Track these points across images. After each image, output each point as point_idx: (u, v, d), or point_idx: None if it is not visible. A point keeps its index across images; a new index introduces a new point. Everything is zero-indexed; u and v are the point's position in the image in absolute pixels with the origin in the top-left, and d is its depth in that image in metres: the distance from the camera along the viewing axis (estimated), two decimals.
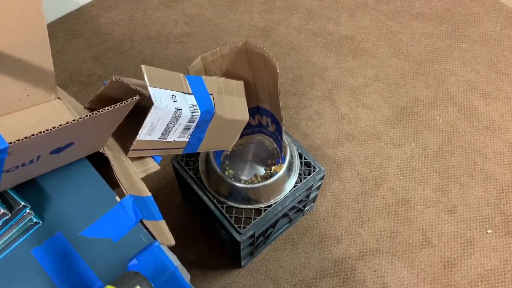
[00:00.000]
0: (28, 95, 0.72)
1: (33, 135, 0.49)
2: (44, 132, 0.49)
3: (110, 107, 0.55)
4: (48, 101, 0.75)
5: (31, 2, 0.67)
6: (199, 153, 1.23)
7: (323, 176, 1.24)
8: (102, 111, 0.54)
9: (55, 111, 0.72)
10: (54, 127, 0.50)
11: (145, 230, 0.67)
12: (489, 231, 1.38)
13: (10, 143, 0.48)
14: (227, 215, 1.17)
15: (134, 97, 0.58)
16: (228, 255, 1.33)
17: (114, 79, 0.77)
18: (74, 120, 0.52)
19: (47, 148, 0.56)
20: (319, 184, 1.28)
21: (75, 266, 0.63)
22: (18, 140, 0.48)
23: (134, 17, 1.87)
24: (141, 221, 0.67)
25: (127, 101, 0.57)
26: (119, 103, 0.56)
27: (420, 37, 1.81)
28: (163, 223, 0.73)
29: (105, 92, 0.78)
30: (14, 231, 0.63)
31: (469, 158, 1.52)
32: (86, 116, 0.53)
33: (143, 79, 0.78)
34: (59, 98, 0.77)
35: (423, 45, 1.79)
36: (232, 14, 1.88)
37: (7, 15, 0.65)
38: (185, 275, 0.61)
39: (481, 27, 1.84)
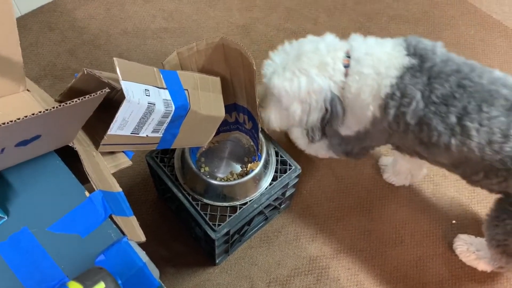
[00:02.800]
0: None
1: None
2: (8, 123, 0.48)
3: (79, 99, 0.54)
4: (16, 92, 0.73)
5: None
6: (174, 149, 1.21)
7: (299, 174, 1.25)
8: (70, 103, 0.53)
9: (23, 103, 0.70)
10: (18, 118, 0.48)
11: (115, 226, 0.65)
12: (453, 222, 1.41)
13: None
14: (202, 213, 1.16)
15: (104, 90, 0.57)
16: (202, 253, 1.32)
17: (85, 71, 0.76)
18: (40, 112, 0.50)
19: (12, 141, 0.54)
20: (295, 182, 1.29)
21: (41, 262, 0.61)
22: None
23: (111, 11, 1.84)
24: (110, 217, 0.66)
25: (96, 94, 0.56)
26: (88, 95, 0.55)
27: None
28: (133, 219, 0.71)
29: (76, 85, 0.77)
30: None
31: None
32: (53, 107, 0.52)
33: (116, 72, 0.76)
34: (28, 90, 0.75)
35: None
36: (211, 11, 1.87)
37: None
38: (154, 272, 0.60)
39: (456, 30, 1.88)
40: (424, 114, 0.98)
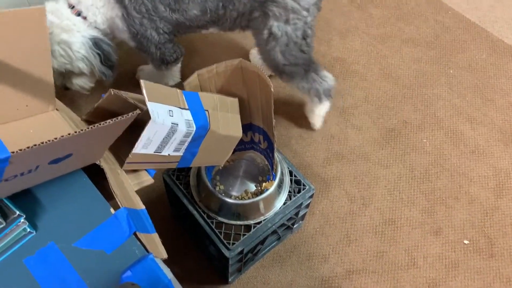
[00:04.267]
0: (26, 105, 0.73)
1: (35, 145, 0.50)
2: (45, 142, 0.50)
3: (111, 120, 0.56)
4: (46, 112, 0.76)
5: (35, 15, 0.68)
6: (190, 167, 1.24)
7: (312, 195, 1.26)
8: (103, 124, 0.55)
9: (53, 122, 0.73)
10: (55, 138, 0.51)
11: (139, 243, 0.67)
12: (466, 242, 1.40)
13: (13, 152, 0.49)
14: (216, 231, 1.18)
15: (135, 112, 0.60)
16: (215, 271, 1.33)
17: (112, 92, 0.79)
18: (75, 132, 0.53)
19: (46, 159, 0.56)
20: (308, 202, 1.30)
21: (67, 277, 0.63)
22: (20, 150, 0.49)
23: None
24: (134, 234, 0.68)
25: (128, 115, 0.58)
26: (120, 117, 0.57)
27: (409, 62, 1.86)
28: (155, 236, 0.73)
29: (102, 105, 0.80)
30: (8, 240, 0.63)
31: (455, 181, 1.55)
32: (88, 128, 0.54)
33: (141, 93, 0.79)
34: (57, 109, 0.78)
35: (412, 70, 1.84)
36: (226, 34, 1.91)
37: (10, 26, 0.66)
38: None
39: (467, 54, 1.90)
40: None
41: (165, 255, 0.70)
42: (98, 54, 1.28)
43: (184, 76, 1.71)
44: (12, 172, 0.54)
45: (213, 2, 1.28)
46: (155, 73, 1.61)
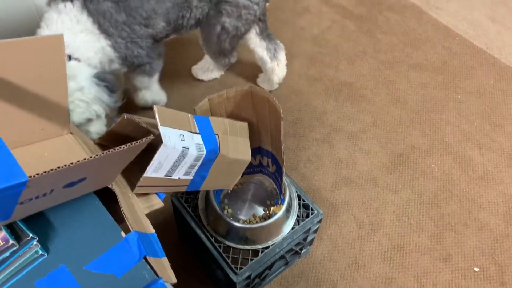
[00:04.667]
0: (42, 129, 0.75)
1: (51, 169, 0.51)
2: (62, 167, 0.51)
3: (126, 146, 0.58)
4: (61, 135, 0.78)
5: (52, 42, 0.70)
6: (198, 191, 1.24)
7: (321, 219, 1.26)
8: (117, 149, 0.57)
9: (67, 146, 0.75)
10: (72, 163, 0.52)
11: (149, 267, 0.67)
12: (476, 269, 1.38)
13: (30, 176, 0.50)
14: (224, 255, 1.17)
15: (149, 137, 0.61)
16: None
17: (125, 117, 0.80)
18: (91, 157, 0.54)
19: (62, 182, 0.57)
20: (316, 227, 1.29)
21: None
22: (38, 174, 0.50)
23: None
24: (144, 258, 0.68)
25: (142, 141, 0.60)
26: (134, 142, 0.58)
27: (417, 87, 1.88)
28: (165, 261, 0.74)
29: (115, 129, 0.81)
30: (20, 262, 0.64)
31: (464, 207, 1.54)
32: (103, 153, 0.55)
33: (153, 117, 0.81)
34: (71, 133, 0.80)
35: (419, 95, 1.85)
36: (238, 58, 1.94)
37: (29, 53, 0.68)
38: None
39: (475, 80, 1.91)
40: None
41: (174, 280, 0.70)
42: (106, 86, 1.31)
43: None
44: (28, 196, 0.55)
45: (174, 13, 1.39)
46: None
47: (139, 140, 0.59)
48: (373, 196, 1.56)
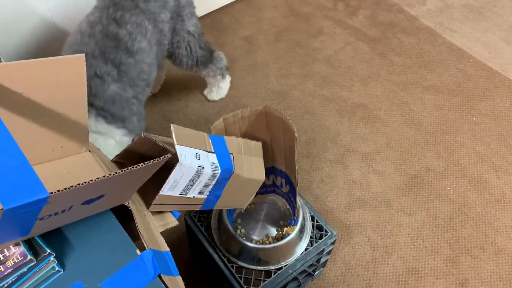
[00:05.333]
0: (61, 147, 0.76)
1: (72, 186, 0.52)
2: (82, 184, 0.52)
3: (144, 164, 0.58)
4: (79, 153, 0.79)
5: (74, 62, 0.72)
6: (212, 210, 1.24)
7: (334, 241, 1.25)
8: (136, 167, 0.58)
9: (85, 163, 0.76)
10: (91, 180, 0.53)
11: (163, 285, 0.67)
12: None
13: (51, 193, 0.51)
14: (236, 275, 1.17)
15: (166, 155, 0.62)
16: None
17: (142, 135, 0.82)
18: (110, 174, 0.55)
19: (80, 199, 0.58)
20: (330, 249, 1.28)
21: None
22: (59, 191, 0.51)
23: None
24: (159, 276, 0.68)
25: (159, 159, 0.60)
26: (152, 160, 0.59)
27: (431, 109, 1.87)
28: (179, 279, 0.74)
29: (132, 147, 0.82)
30: (37, 277, 0.65)
31: (480, 231, 1.51)
32: (121, 171, 0.56)
33: (170, 136, 0.82)
34: (89, 151, 0.81)
35: (434, 116, 1.84)
36: (250, 77, 1.97)
37: (52, 72, 0.70)
38: None
39: (490, 102, 1.90)
40: None
41: None
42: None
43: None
44: (48, 212, 0.56)
45: (160, 54, 1.45)
46: None
47: (157, 158, 0.60)
48: (387, 218, 1.55)
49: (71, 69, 0.72)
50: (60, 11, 1.70)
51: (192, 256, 1.43)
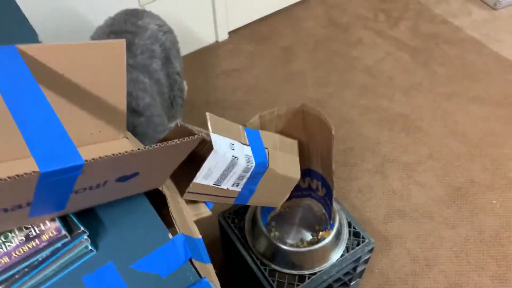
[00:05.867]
0: (100, 131, 0.78)
1: (106, 156, 0.52)
2: (117, 154, 0.53)
3: (178, 140, 0.58)
4: (117, 139, 0.80)
5: (115, 47, 0.74)
6: (246, 211, 1.23)
7: (372, 248, 1.20)
8: (171, 142, 0.57)
9: (122, 149, 0.77)
10: (126, 151, 0.53)
11: (194, 270, 0.66)
12: None
13: (86, 161, 0.51)
14: (269, 279, 1.14)
15: (200, 134, 0.62)
16: None
17: (179, 124, 0.82)
18: (145, 148, 0.55)
19: (115, 174, 0.59)
20: (367, 257, 1.23)
21: None
22: (93, 159, 0.51)
23: (196, 83, 1.99)
24: (190, 261, 0.67)
25: (194, 137, 0.60)
26: (186, 137, 0.59)
27: (476, 120, 1.79)
28: (210, 267, 0.72)
29: (169, 136, 0.83)
30: (71, 255, 0.65)
31: None
32: (157, 145, 0.56)
33: (206, 127, 0.82)
34: (126, 138, 0.82)
35: (479, 128, 1.77)
36: (288, 86, 1.96)
37: (93, 57, 0.72)
38: None
39: None
40: None
41: (218, 287, 0.68)
42: None
43: None
44: (83, 184, 0.56)
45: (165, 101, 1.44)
46: None
47: (191, 136, 0.60)
48: (428, 230, 1.48)
49: (112, 54, 0.73)
50: None
51: (225, 258, 1.42)
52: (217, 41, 2.16)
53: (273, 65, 2.05)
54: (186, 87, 1.66)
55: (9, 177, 0.47)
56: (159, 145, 0.56)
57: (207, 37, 2.13)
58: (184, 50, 2.08)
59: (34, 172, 0.48)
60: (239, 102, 1.90)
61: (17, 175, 0.47)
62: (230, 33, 2.18)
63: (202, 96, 1.93)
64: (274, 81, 1.98)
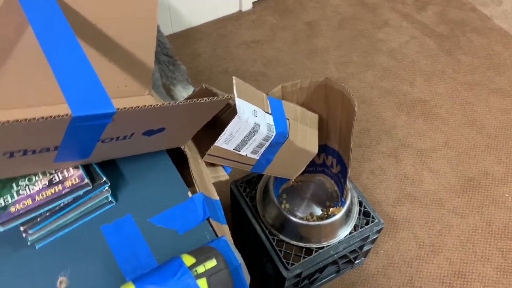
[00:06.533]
0: (126, 86, 0.78)
1: (137, 107, 0.52)
2: (148, 106, 0.53)
3: (208, 98, 0.58)
4: (141, 95, 0.80)
5: (148, 5, 0.73)
6: (258, 181, 1.24)
7: (380, 229, 1.20)
8: (200, 100, 0.57)
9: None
10: (157, 104, 0.53)
11: (211, 229, 0.67)
12: None
13: (118, 109, 0.52)
14: (277, 249, 1.15)
15: (228, 95, 0.61)
16: None
17: (204, 86, 0.82)
18: (175, 102, 0.55)
19: (142, 127, 0.59)
20: (375, 237, 1.24)
21: (138, 250, 0.64)
22: (124, 108, 0.52)
23: (216, 52, 1.98)
24: (208, 220, 0.68)
25: (223, 97, 0.60)
26: (215, 97, 0.59)
27: (496, 112, 1.77)
28: (226, 228, 0.73)
29: (193, 96, 0.83)
30: (91, 204, 0.66)
31: None
32: (186, 101, 0.56)
33: (231, 91, 0.81)
34: (151, 95, 0.82)
35: (498, 120, 1.74)
36: (308, 62, 1.94)
37: (126, 9, 0.71)
38: (246, 276, 0.60)
39: None
40: None
41: (234, 247, 0.69)
42: None
43: None
44: (110, 134, 0.57)
45: None
46: None
47: (220, 96, 0.59)
48: (437, 217, 1.48)
49: (144, 9, 0.73)
50: None
51: (234, 228, 1.43)
52: (240, 11, 2.13)
53: (295, 39, 2.02)
54: (169, 44, 1.61)
55: (42, 118, 0.47)
56: (189, 101, 0.56)
57: (230, 6, 2.10)
58: (206, 17, 2.06)
59: (66, 115, 0.49)
60: (258, 74, 1.89)
61: (50, 116, 0.47)
62: (254, 3, 2.15)
63: (221, 64, 1.92)
64: (294, 55, 1.96)
